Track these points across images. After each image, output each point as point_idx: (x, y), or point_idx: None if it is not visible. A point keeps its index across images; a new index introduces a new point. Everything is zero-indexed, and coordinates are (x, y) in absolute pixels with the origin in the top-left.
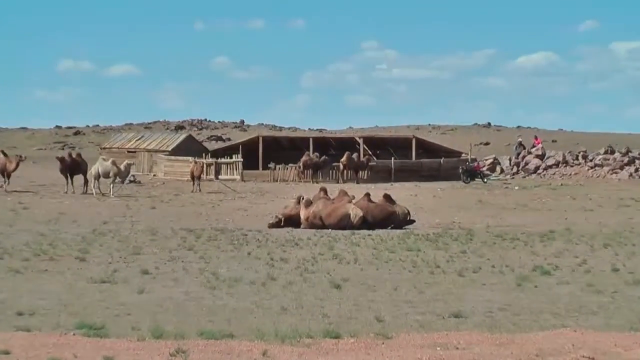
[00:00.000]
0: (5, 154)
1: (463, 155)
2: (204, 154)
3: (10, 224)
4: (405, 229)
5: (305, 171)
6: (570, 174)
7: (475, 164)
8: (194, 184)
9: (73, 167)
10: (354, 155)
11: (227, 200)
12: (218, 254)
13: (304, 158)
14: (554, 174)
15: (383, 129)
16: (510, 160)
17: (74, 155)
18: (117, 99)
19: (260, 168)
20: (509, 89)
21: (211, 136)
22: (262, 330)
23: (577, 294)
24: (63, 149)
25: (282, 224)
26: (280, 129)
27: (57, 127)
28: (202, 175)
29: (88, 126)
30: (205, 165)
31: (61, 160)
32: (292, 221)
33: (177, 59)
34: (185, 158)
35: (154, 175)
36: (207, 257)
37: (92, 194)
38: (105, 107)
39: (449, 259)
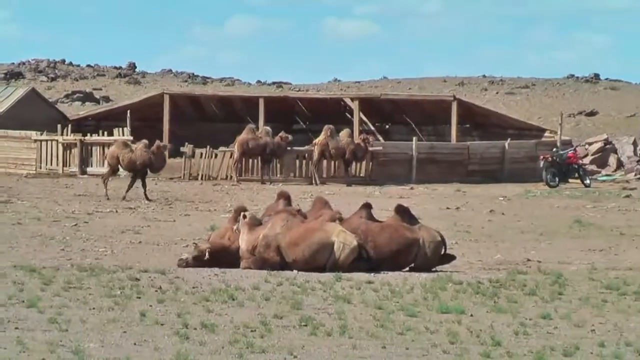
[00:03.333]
0: None
1: (547, 134)
2: (59, 126)
3: None
4: (436, 271)
5: (248, 160)
6: None
7: (570, 151)
8: (106, 182)
9: None
10: (342, 133)
11: (104, 214)
12: (84, 315)
13: (243, 136)
14: None
15: (397, 83)
16: (635, 145)
17: None
18: None
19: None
20: (636, 9)
21: (73, 92)
22: None
23: None
24: None
25: (206, 258)
26: (205, 81)
27: None
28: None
29: None
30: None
31: None
32: (224, 255)
33: None
34: (25, 133)
35: None
36: (64, 321)
37: None
38: None
39: (518, 329)
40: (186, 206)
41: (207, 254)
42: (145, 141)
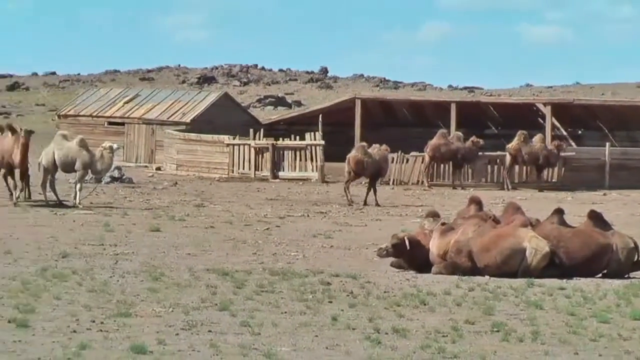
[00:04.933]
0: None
1: None
2: (252, 130)
3: None
4: (630, 277)
5: (440, 165)
6: None
7: None
8: (347, 193)
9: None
10: (536, 138)
11: (294, 218)
12: (276, 319)
13: (435, 141)
14: None
15: (589, 88)
16: None
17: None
18: (90, 27)
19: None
20: None
21: (265, 97)
22: None
23: None
24: None
25: (408, 248)
26: (396, 86)
27: None
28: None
29: (36, 74)
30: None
31: None
32: (419, 251)
33: None
34: (218, 137)
35: (158, 169)
36: (256, 325)
37: (45, 201)
38: (69, 41)
39: None
40: (377, 211)
41: (407, 242)
42: (377, 145)
